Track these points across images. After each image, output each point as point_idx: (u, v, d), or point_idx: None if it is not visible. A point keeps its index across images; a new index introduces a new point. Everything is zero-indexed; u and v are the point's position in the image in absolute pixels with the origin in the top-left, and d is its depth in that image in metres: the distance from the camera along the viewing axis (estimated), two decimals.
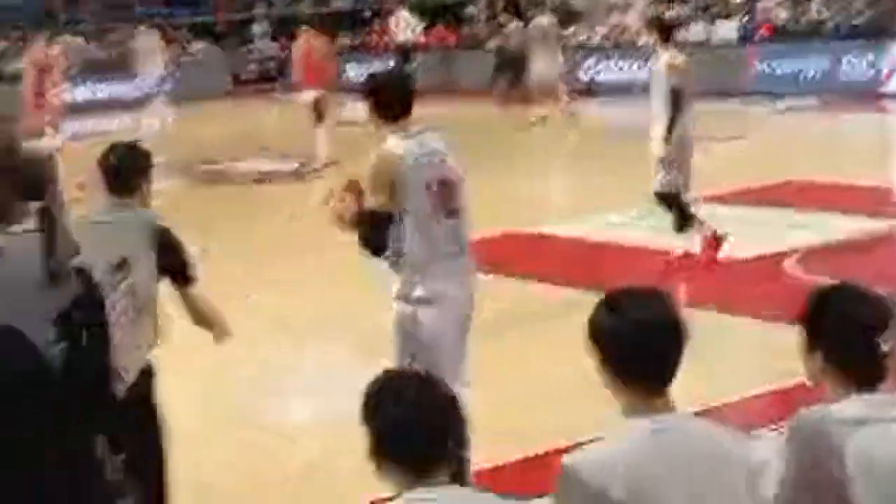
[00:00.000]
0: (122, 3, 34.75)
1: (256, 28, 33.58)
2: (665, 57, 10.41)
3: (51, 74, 20.68)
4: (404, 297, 5.64)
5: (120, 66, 28.58)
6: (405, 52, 26.67)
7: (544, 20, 22.55)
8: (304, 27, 19.68)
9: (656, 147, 10.29)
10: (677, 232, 10.41)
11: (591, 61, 26.28)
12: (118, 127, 24.78)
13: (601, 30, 27.47)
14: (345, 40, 31.85)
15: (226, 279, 9.72)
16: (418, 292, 5.58)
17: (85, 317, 2.10)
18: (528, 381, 7.69)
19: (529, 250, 11.53)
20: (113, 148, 4.93)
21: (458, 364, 5.57)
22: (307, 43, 18.89)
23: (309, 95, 18.38)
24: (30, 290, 1.87)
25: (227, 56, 32.75)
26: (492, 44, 26.82)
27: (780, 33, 24.16)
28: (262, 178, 17.22)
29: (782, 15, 24.58)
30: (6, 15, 32.99)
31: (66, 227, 2.02)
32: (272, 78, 31.62)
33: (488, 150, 16.75)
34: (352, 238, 5.70)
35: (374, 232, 5.56)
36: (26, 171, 1.94)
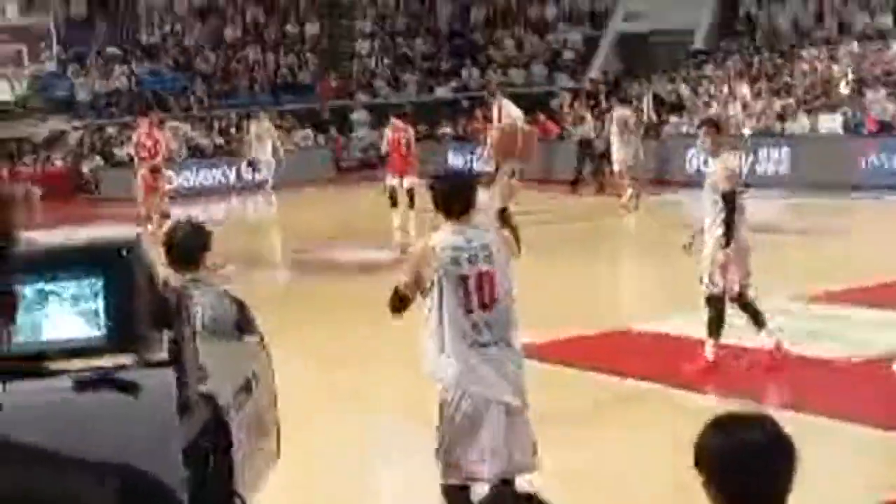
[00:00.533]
0: (228, 90, 35.41)
1: (357, 116, 33.97)
2: (720, 160, 10.06)
3: (158, 160, 21.20)
4: (438, 379, 6.15)
5: (227, 152, 29.08)
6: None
7: (625, 111, 23.44)
8: (393, 117, 20.75)
9: (713, 251, 9.93)
10: (758, 328, 10.07)
11: (693, 151, 26.08)
12: (225, 212, 25.15)
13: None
14: (447, 129, 32.08)
15: (319, 372, 9.68)
16: (446, 375, 6.05)
17: (211, 444, 2.08)
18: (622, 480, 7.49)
19: (618, 346, 11.31)
20: (177, 226, 5.66)
21: (487, 447, 6.01)
22: (395, 132, 19.97)
23: (392, 182, 19.63)
24: (163, 424, 1.86)
25: (330, 143, 33.15)
26: (575, 134, 26.90)
27: (887, 127, 23.78)
28: (361, 268, 17.19)
29: (890, 108, 24.22)
30: (116, 100, 33.81)
31: (195, 356, 2.02)
32: (373, 165, 31.88)
33: (579, 239, 16.64)
34: None
35: (394, 310, 6.29)
36: (160, 301, 1.95)
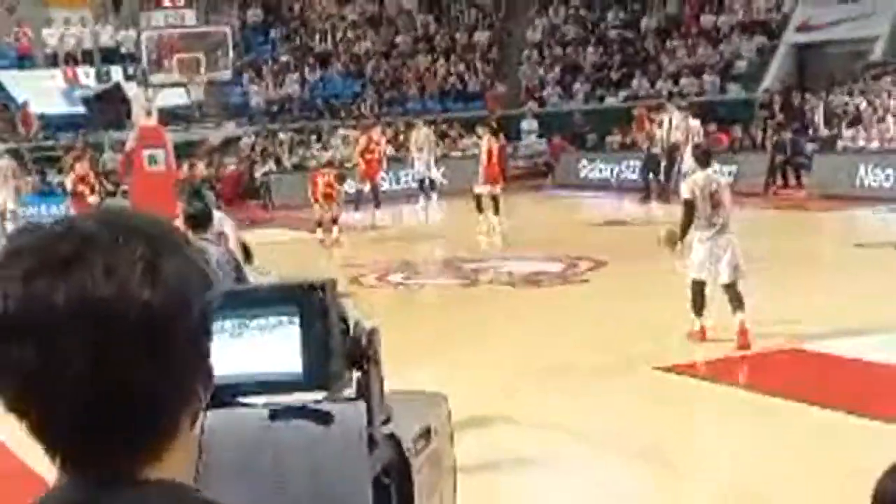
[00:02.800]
0: (397, 97, 35.78)
1: (525, 124, 33.97)
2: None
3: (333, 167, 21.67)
4: None
5: (394, 159, 29.35)
6: (672, 153, 26.46)
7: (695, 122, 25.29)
8: (485, 129, 23.01)
9: None
10: None
11: (867, 166, 25.42)
12: (392, 219, 25.39)
13: (875, 133, 26.62)
14: (616, 137, 31.88)
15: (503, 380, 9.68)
16: None
17: (395, 481, 2.10)
18: None
19: (799, 369, 11.07)
20: (191, 201, 7.31)
21: None
22: (489, 143, 22.05)
23: (482, 190, 21.62)
24: (354, 455, 1.90)
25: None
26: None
27: None
28: (529, 279, 17.12)
29: None
30: (288, 106, 34.46)
31: (381, 397, 2.06)
32: (541, 174, 31.90)
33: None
34: None
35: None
36: (352, 340, 1.99)
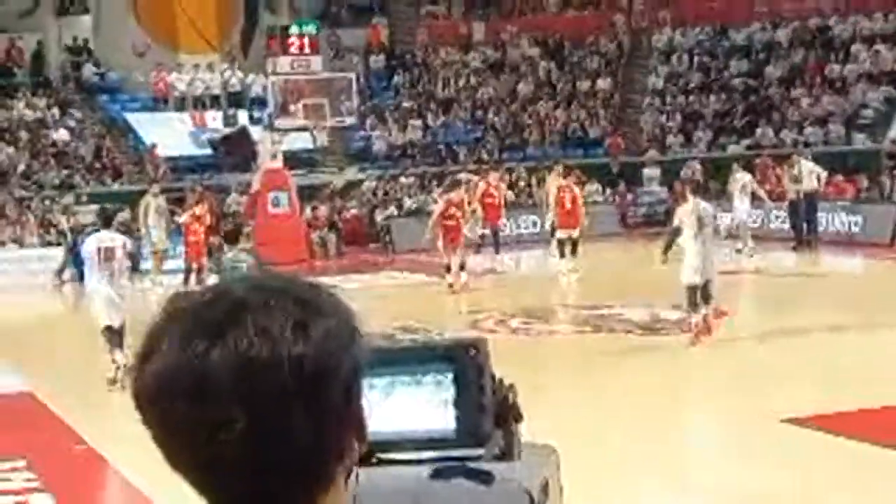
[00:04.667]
0: (518, 143, 35.92)
1: (648, 172, 33.81)
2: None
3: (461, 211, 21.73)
4: None
5: (514, 204, 29.43)
6: (811, 200, 26.12)
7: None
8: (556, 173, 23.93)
9: None
10: None
11: None
12: (514, 263, 25.44)
13: None
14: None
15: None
16: None
17: None
18: None
19: None
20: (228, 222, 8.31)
21: None
22: (560, 191, 22.87)
23: (561, 236, 22.50)
24: None
25: (617, 198, 33.10)
26: None
27: None
28: (649, 327, 17.02)
29: None
30: (410, 151, 34.80)
31: (520, 454, 2.12)
32: (660, 222, 31.67)
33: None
34: None
35: None
36: (500, 399, 2.06)
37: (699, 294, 15.11)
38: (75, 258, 22.58)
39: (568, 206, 22.82)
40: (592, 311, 18.59)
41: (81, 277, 19.04)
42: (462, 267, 21.60)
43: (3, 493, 9.65)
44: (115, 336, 14.19)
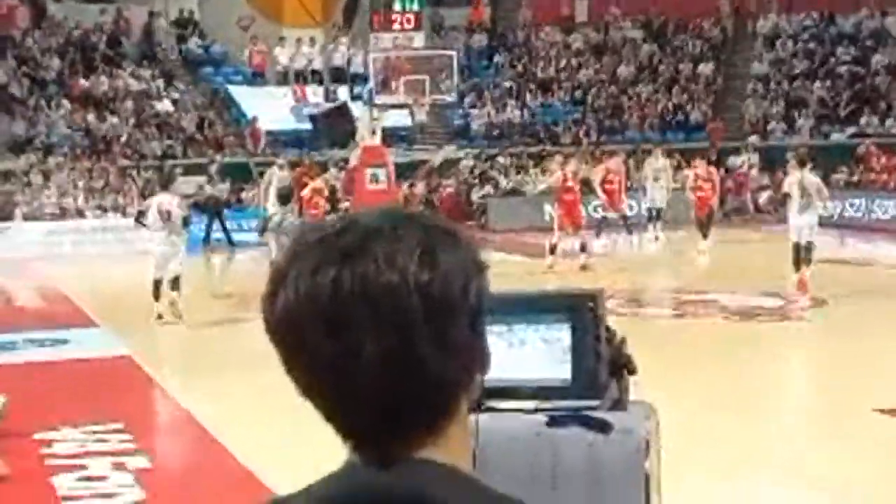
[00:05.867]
0: (618, 126, 35.68)
1: (744, 156, 33.37)
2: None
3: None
4: None
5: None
6: None
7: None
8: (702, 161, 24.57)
9: None
10: None
11: None
12: (611, 246, 25.32)
13: None
14: (841, 175, 31.06)
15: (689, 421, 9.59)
16: None
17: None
18: None
19: None
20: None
21: None
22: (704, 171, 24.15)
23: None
24: (633, 464, 1.96)
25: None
26: None
27: None
28: (745, 313, 16.81)
29: None
30: (508, 131, 34.76)
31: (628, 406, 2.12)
32: (761, 210, 31.30)
33: None
34: None
35: None
36: (614, 351, 2.06)
37: (802, 252, 17.49)
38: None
39: (703, 191, 23.91)
40: (689, 295, 18.42)
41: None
42: (583, 248, 21.29)
43: (101, 455, 9.80)
44: (157, 290, 16.38)
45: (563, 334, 1.98)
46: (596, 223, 25.97)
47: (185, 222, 17.05)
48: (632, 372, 2.10)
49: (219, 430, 10.43)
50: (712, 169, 25.70)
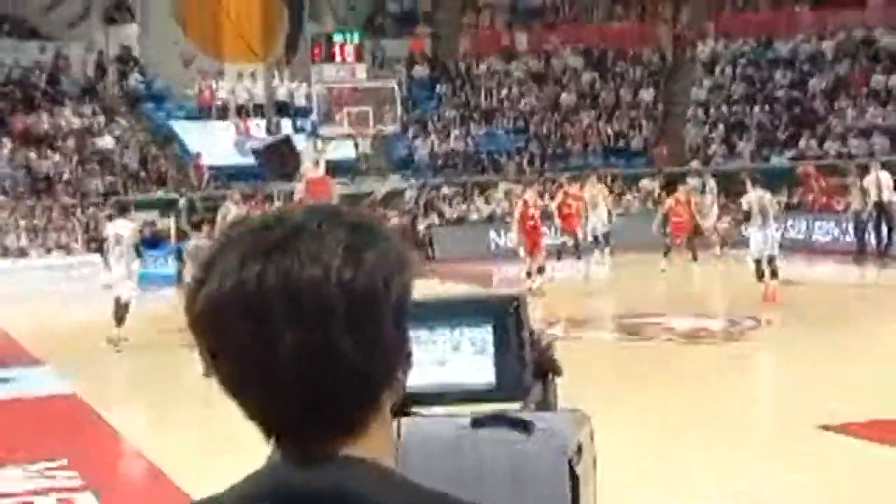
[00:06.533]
0: (561, 153, 35.90)
1: (690, 181, 33.56)
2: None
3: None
4: None
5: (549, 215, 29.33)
6: (882, 211, 25.82)
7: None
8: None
9: None
10: None
11: None
12: (561, 271, 25.39)
13: None
14: (781, 198, 31.30)
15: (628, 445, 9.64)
16: None
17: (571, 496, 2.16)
18: None
19: None
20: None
21: None
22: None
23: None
24: (556, 464, 1.98)
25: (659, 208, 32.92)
26: None
27: None
28: (689, 335, 16.93)
29: None
30: (453, 161, 34.83)
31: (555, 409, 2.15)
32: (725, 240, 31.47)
33: None
34: None
35: None
36: (539, 354, 2.09)
37: (765, 266, 18.34)
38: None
39: (680, 217, 25.38)
40: (634, 319, 18.52)
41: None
42: (540, 270, 21.69)
43: (47, 492, 9.72)
44: (120, 308, 16.91)
45: (486, 337, 2.02)
46: (556, 249, 25.92)
47: (138, 250, 17.50)
48: (557, 374, 2.14)
49: (166, 464, 10.37)
50: (692, 197, 26.25)
